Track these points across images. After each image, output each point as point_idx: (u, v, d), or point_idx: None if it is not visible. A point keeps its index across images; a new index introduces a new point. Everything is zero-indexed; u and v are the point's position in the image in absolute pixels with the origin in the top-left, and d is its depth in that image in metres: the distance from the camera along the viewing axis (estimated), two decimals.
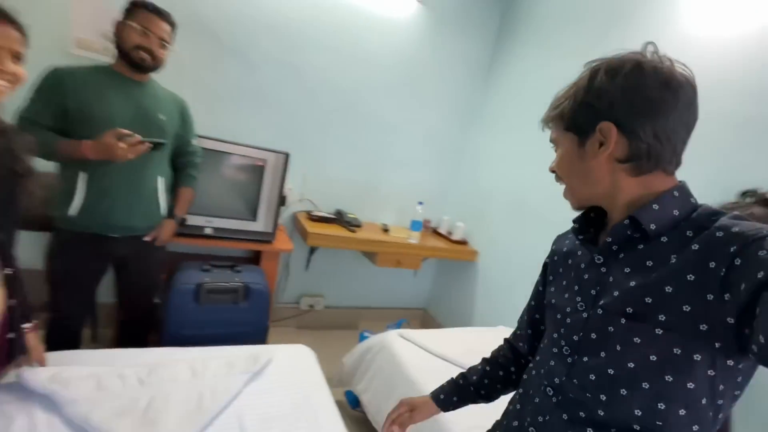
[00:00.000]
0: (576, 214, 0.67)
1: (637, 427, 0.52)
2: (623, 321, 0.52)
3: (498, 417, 0.92)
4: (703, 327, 0.46)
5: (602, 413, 0.54)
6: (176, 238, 1.62)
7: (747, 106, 1.34)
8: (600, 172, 0.57)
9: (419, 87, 2.56)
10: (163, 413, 1.06)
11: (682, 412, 0.49)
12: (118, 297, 1.59)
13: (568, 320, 0.61)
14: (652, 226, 0.53)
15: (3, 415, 0.95)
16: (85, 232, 1.33)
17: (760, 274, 0.40)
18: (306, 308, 2.60)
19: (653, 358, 0.49)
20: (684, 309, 0.47)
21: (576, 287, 0.62)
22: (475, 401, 0.85)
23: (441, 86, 2.63)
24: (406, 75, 2.50)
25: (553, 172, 0.65)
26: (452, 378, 0.89)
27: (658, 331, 0.49)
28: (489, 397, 0.84)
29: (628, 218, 0.54)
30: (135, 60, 1.29)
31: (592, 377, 0.55)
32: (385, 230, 2.49)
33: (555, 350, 0.63)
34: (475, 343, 1.79)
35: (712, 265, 0.45)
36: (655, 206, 0.53)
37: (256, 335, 1.72)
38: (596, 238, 0.63)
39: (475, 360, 1.66)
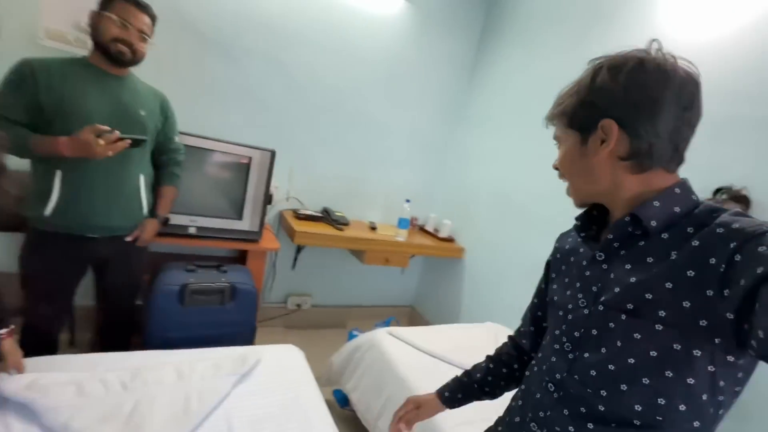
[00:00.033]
0: (578, 211, 0.68)
1: (637, 422, 0.52)
2: (624, 317, 0.52)
3: (491, 413, 0.94)
4: (703, 323, 0.46)
5: (602, 408, 0.55)
6: (159, 238, 1.57)
7: (723, 107, 1.39)
8: (601, 169, 0.57)
9: (405, 85, 2.56)
10: (148, 418, 1.03)
11: (682, 407, 0.50)
12: (97, 299, 1.53)
13: (570, 317, 0.62)
14: (653, 223, 0.53)
15: None
16: (62, 233, 1.27)
17: (759, 270, 0.40)
18: (293, 308, 2.57)
19: (653, 353, 0.50)
20: (684, 305, 0.47)
21: (578, 284, 0.62)
22: (479, 398, 0.86)
23: (427, 84, 2.63)
24: (392, 73, 2.49)
25: (556, 169, 0.66)
26: (457, 376, 0.90)
27: (658, 327, 0.49)
28: (493, 394, 0.85)
29: (628, 215, 0.55)
30: (113, 53, 1.24)
31: (593, 373, 0.56)
32: (373, 228, 2.48)
33: (556, 347, 0.63)
34: (464, 340, 1.82)
35: (712, 261, 0.45)
36: (656, 203, 0.53)
37: (244, 336, 1.69)
38: (598, 235, 0.64)
39: (464, 356, 1.69)
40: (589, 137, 0.57)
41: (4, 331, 0.96)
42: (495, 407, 0.93)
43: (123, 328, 1.57)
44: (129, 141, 1.22)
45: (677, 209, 0.53)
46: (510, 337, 0.88)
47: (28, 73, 1.18)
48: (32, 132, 1.19)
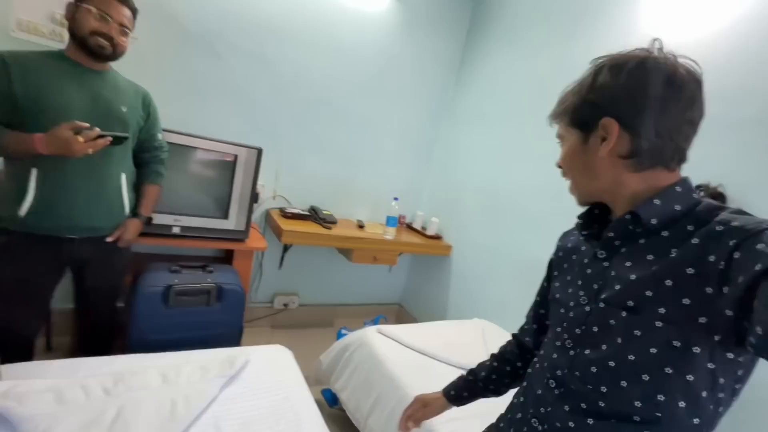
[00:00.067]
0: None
1: (636, 418, 0.53)
2: (624, 314, 0.53)
3: (481, 408, 0.95)
4: (702, 320, 0.46)
5: (603, 404, 0.55)
6: (141, 238, 1.53)
7: None
8: (603, 167, 0.58)
9: (393, 82, 2.55)
10: (132, 424, 1.00)
11: (681, 404, 0.50)
12: (76, 302, 1.48)
13: (571, 314, 0.62)
14: (653, 221, 0.54)
15: None
16: (38, 234, 1.22)
17: (758, 267, 0.40)
18: (280, 307, 2.54)
19: (653, 350, 0.50)
20: (683, 302, 0.48)
21: (579, 282, 0.63)
22: (484, 396, 0.88)
23: (414, 82, 2.63)
24: (379, 70, 2.48)
25: (559, 167, 0.66)
26: (462, 374, 0.92)
27: (658, 324, 0.49)
28: (498, 392, 0.87)
29: (629, 213, 0.55)
30: (92, 47, 1.19)
31: (594, 369, 0.56)
32: (361, 226, 2.47)
33: (558, 343, 0.64)
34: (452, 336, 1.83)
35: (712, 258, 0.46)
36: (657, 201, 0.54)
37: (231, 337, 1.66)
38: (600, 233, 0.64)
39: (453, 353, 1.70)
40: (591, 135, 0.58)
41: None
42: (487, 402, 0.95)
43: (104, 332, 1.52)
44: (110, 138, 1.17)
45: (678, 207, 0.53)
46: (513, 335, 0.89)
47: (0, 67, 1.12)
48: (5, 129, 1.13)
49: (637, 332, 0.51)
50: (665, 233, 0.53)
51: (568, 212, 1.90)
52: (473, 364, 1.61)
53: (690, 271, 0.47)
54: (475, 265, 2.41)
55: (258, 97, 2.17)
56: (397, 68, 2.53)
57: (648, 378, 0.51)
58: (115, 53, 1.25)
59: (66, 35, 1.23)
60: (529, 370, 0.72)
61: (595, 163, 0.58)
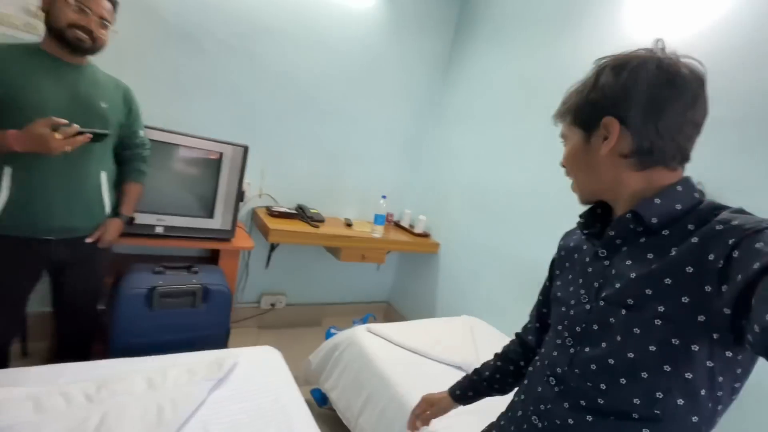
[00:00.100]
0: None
1: (635, 415, 0.53)
2: (624, 312, 0.53)
3: (471, 405, 0.96)
4: (701, 318, 0.47)
5: (602, 402, 0.56)
6: (123, 238, 1.48)
7: None
8: (604, 166, 0.59)
9: (380, 80, 2.54)
10: (117, 431, 0.97)
11: (680, 401, 0.50)
12: (54, 305, 1.42)
13: (572, 312, 0.63)
14: (654, 220, 0.54)
15: None
16: (12, 236, 1.17)
17: (757, 265, 0.40)
18: (267, 307, 2.51)
19: (652, 348, 0.50)
20: (683, 300, 0.48)
21: (581, 280, 0.64)
22: (489, 395, 0.89)
23: (401, 80, 2.63)
24: (367, 68, 2.46)
25: (563, 166, 0.67)
26: (467, 374, 0.93)
27: (657, 322, 0.50)
28: (503, 391, 0.88)
29: (630, 212, 0.56)
30: (70, 40, 1.14)
31: (593, 367, 0.57)
32: (349, 225, 2.46)
33: (558, 341, 0.65)
34: (441, 334, 1.84)
35: (711, 257, 0.46)
36: (657, 200, 0.54)
37: (218, 339, 1.62)
38: (602, 233, 0.64)
39: (443, 350, 1.71)
40: (593, 135, 0.59)
41: None
42: (483, 399, 0.96)
43: (84, 336, 1.47)
44: (89, 135, 1.13)
45: (678, 206, 0.54)
46: (517, 334, 0.90)
47: None
48: None
49: (637, 330, 0.52)
50: (666, 232, 0.53)
51: (554, 210, 1.95)
52: (463, 361, 1.64)
53: (689, 269, 0.48)
54: (463, 263, 2.43)
55: (243, 94, 2.12)
56: (384, 66, 2.52)
57: (647, 376, 0.51)
58: (95, 47, 1.20)
59: (41, 27, 1.18)
60: (530, 369, 0.72)
61: (597, 162, 0.59)
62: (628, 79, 0.54)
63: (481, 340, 1.88)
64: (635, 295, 0.53)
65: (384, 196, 2.45)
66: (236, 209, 1.86)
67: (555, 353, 0.65)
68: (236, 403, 1.17)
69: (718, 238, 0.46)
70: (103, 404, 1.03)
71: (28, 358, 1.69)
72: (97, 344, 1.50)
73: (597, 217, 0.67)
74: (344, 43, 2.35)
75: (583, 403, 0.58)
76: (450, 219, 2.57)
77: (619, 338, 0.54)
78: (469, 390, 0.90)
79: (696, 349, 0.48)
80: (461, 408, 0.95)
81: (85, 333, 1.47)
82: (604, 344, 0.56)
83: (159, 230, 1.68)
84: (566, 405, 0.60)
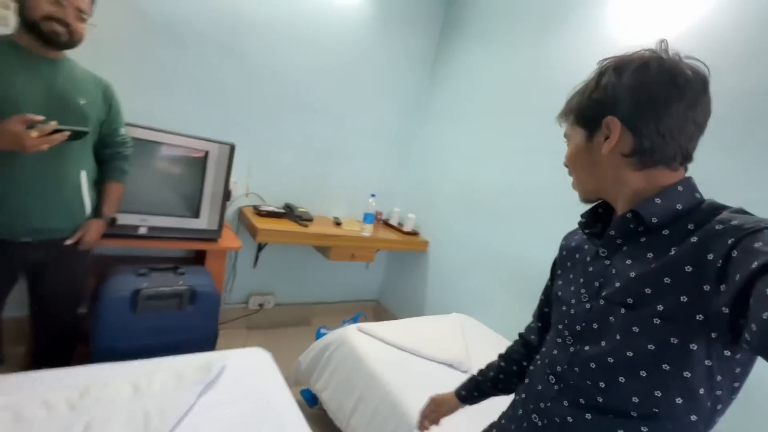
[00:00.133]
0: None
1: (634, 413, 0.53)
2: (623, 311, 0.54)
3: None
4: (700, 317, 0.47)
5: (601, 400, 0.56)
6: (105, 239, 1.43)
7: None
8: (605, 165, 0.59)
9: (367, 77, 2.52)
10: None
11: (678, 400, 0.50)
12: (32, 310, 1.36)
13: (573, 311, 0.63)
14: (654, 220, 0.54)
15: None
16: None
17: (755, 264, 0.40)
18: (255, 308, 2.47)
19: (651, 347, 0.51)
20: (681, 299, 0.48)
21: (581, 280, 0.64)
22: (495, 395, 0.90)
23: (388, 77, 2.62)
24: (354, 64, 2.44)
25: (566, 166, 0.67)
26: (472, 375, 0.94)
27: (656, 321, 0.50)
28: (507, 390, 0.88)
29: (630, 211, 0.56)
30: (46, 33, 1.09)
31: (593, 365, 0.57)
32: (338, 224, 2.44)
33: (559, 340, 0.65)
34: (432, 332, 1.85)
35: (710, 257, 0.46)
36: (658, 200, 0.55)
37: (205, 341, 1.59)
38: (604, 232, 0.64)
39: (434, 348, 1.71)
40: (595, 134, 0.59)
41: None
42: None
43: (64, 341, 1.42)
44: (68, 133, 1.08)
45: (679, 206, 0.54)
46: (520, 334, 0.90)
47: None
48: None
49: (636, 329, 0.52)
50: (666, 232, 0.54)
51: (542, 206, 1.97)
52: (454, 359, 1.65)
53: (688, 269, 0.48)
54: (452, 261, 2.44)
55: (229, 91, 2.08)
56: (371, 63, 2.51)
57: (645, 374, 0.52)
58: (72, 41, 1.15)
59: (12, 19, 1.12)
60: (531, 368, 0.73)
61: (598, 161, 0.60)
62: (629, 78, 0.55)
63: (471, 337, 1.89)
64: (635, 294, 0.53)
65: (373, 195, 2.44)
66: (223, 209, 1.82)
67: (555, 352, 0.65)
68: (226, 408, 1.14)
69: (717, 238, 0.47)
70: (86, 412, 0.99)
71: (4, 365, 1.62)
72: (79, 349, 1.45)
73: (598, 217, 0.67)
74: (331, 39, 2.32)
75: (582, 401, 0.58)
76: (439, 217, 2.58)
77: (618, 337, 0.54)
78: (474, 390, 0.91)
79: (694, 348, 0.48)
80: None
81: (66, 338, 1.42)
82: (603, 343, 0.56)
83: (142, 231, 1.64)
84: (566, 403, 0.60)
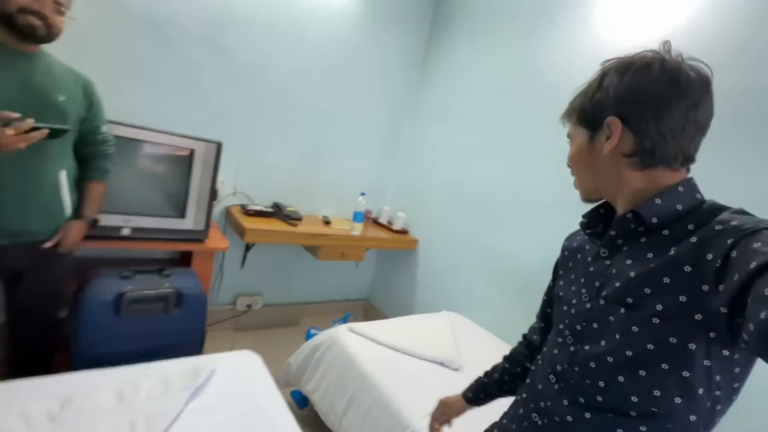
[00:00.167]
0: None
1: (633, 412, 0.54)
2: (623, 311, 0.54)
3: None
4: (698, 317, 0.47)
5: (600, 399, 0.56)
6: (87, 241, 1.38)
7: None
8: (606, 165, 0.60)
9: (356, 75, 2.50)
10: None
11: (677, 400, 0.51)
12: (8, 315, 1.30)
13: (573, 311, 0.64)
14: (654, 220, 0.55)
15: None
16: None
17: (753, 264, 0.40)
18: (243, 309, 2.43)
19: (650, 346, 0.51)
20: (680, 299, 0.48)
21: (582, 280, 0.64)
22: (500, 396, 0.90)
23: (378, 75, 2.60)
24: (342, 61, 2.41)
25: (569, 166, 0.68)
26: (479, 377, 0.95)
27: (655, 321, 0.50)
28: (513, 392, 0.88)
29: (630, 212, 0.57)
30: (22, 26, 1.04)
31: (592, 365, 0.57)
32: (327, 223, 2.42)
33: (559, 340, 0.65)
34: (423, 331, 1.85)
35: (709, 257, 0.46)
36: (658, 200, 0.55)
37: (193, 345, 1.55)
38: (605, 232, 0.64)
39: (426, 347, 1.71)
40: (597, 134, 0.60)
41: None
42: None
43: (43, 348, 1.36)
44: (46, 131, 1.03)
45: (679, 207, 0.54)
46: (524, 335, 0.91)
47: None
48: None
49: (635, 328, 0.52)
50: (666, 232, 0.54)
51: (531, 204, 1.99)
52: (445, 357, 1.65)
53: (687, 269, 0.48)
54: (442, 259, 2.45)
55: (214, 88, 2.03)
56: (360, 61, 2.48)
57: (644, 373, 0.52)
58: (50, 34, 1.10)
59: None
60: (532, 368, 0.73)
61: (600, 161, 0.60)
62: (631, 79, 0.55)
63: (462, 335, 1.90)
64: (634, 293, 0.53)
65: (363, 193, 2.43)
66: (209, 208, 1.78)
67: (556, 351, 0.66)
68: (216, 413, 1.12)
69: (716, 238, 0.47)
70: (68, 423, 0.96)
71: None
72: (60, 355, 1.39)
73: (600, 217, 0.68)
74: (319, 36, 2.29)
75: (581, 400, 0.59)
76: (429, 215, 2.58)
77: (618, 336, 0.55)
78: (480, 392, 0.92)
79: (693, 348, 0.48)
80: (431, 407, 0.98)
81: (45, 344, 1.36)
82: (603, 342, 0.57)
83: (126, 232, 1.58)
84: (565, 402, 0.61)
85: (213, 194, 1.78)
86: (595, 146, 0.61)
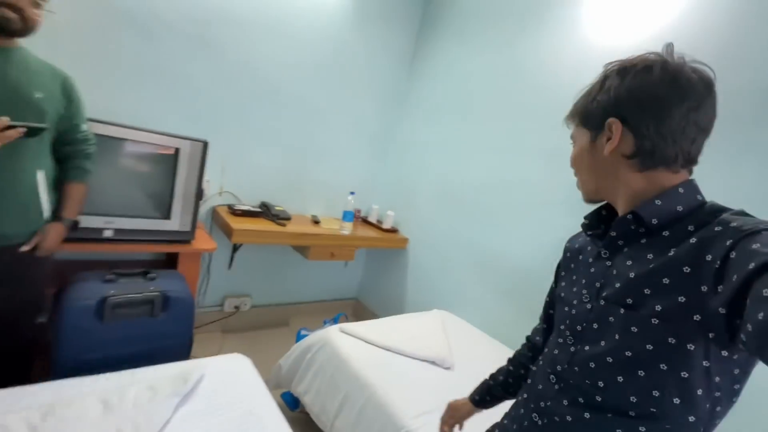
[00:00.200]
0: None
1: (632, 413, 0.54)
2: (623, 311, 0.54)
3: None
4: (697, 317, 0.47)
5: (600, 399, 0.57)
6: (66, 244, 1.32)
7: None
8: (607, 166, 0.60)
9: (344, 73, 2.47)
10: None
11: (676, 400, 0.51)
12: None
13: (574, 312, 0.64)
14: (654, 221, 0.55)
15: None
16: None
17: (752, 265, 0.40)
18: (231, 310, 2.39)
19: (649, 347, 0.51)
20: (679, 300, 0.48)
21: (583, 280, 0.65)
22: (506, 398, 0.91)
23: (367, 73, 2.58)
24: (330, 59, 2.39)
25: (572, 167, 0.68)
26: (484, 379, 0.95)
27: (654, 321, 0.50)
28: (517, 393, 0.88)
29: (630, 213, 0.57)
30: None
31: (592, 365, 0.58)
32: (316, 222, 2.39)
33: (560, 340, 0.66)
34: (415, 329, 1.85)
35: (708, 258, 0.46)
36: (658, 202, 0.55)
37: (180, 349, 1.51)
38: (606, 234, 0.64)
39: (418, 346, 1.71)
40: (598, 136, 0.60)
41: None
42: (454, 396, 1.01)
43: (21, 355, 1.30)
44: (23, 129, 0.99)
45: (679, 208, 0.55)
46: (527, 337, 0.91)
47: None
48: None
49: (634, 329, 0.53)
50: (666, 233, 0.54)
51: (520, 202, 2.01)
52: (437, 356, 1.66)
53: (686, 269, 0.49)
54: (432, 257, 2.45)
55: (200, 85, 1.98)
56: (349, 59, 2.46)
57: (644, 374, 0.52)
58: (26, 28, 1.05)
59: None
60: (533, 368, 0.73)
61: (601, 162, 0.61)
62: (632, 80, 0.56)
63: (453, 334, 1.91)
64: (634, 294, 0.53)
65: (353, 193, 2.41)
66: (196, 209, 1.73)
67: (556, 351, 0.66)
68: (206, 419, 1.09)
69: (716, 239, 0.47)
70: None
71: None
72: (39, 363, 1.34)
73: (602, 219, 0.69)
74: (307, 33, 2.25)
75: (581, 400, 0.59)
76: (418, 214, 2.58)
77: (617, 337, 0.55)
78: (486, 395, 0.93)
79: (692, 349, 0.48)
80: (434, 404, 1.00)
81: (23, 352, 1.31)
82: (603, 343, 0.57)
83: (108, 234, 1.53)
84: (565, 402, 0.61)
85: (199, 194, 1.74)
86: (596, 147, 0.61)
